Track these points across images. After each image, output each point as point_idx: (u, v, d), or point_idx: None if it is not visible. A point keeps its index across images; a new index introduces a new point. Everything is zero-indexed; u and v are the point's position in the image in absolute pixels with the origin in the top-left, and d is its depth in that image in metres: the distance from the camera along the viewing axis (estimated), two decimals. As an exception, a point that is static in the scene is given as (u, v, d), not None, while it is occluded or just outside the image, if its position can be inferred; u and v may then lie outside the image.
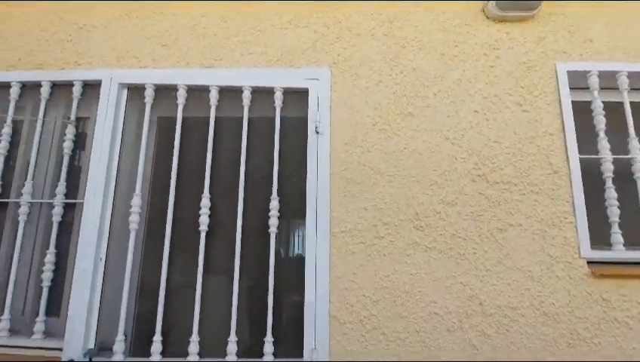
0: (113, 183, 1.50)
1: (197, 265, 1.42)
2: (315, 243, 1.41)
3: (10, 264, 1.54)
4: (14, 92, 1.67)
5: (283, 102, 1.57)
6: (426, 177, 1.48)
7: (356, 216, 1.45)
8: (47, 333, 1.48)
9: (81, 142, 1.66)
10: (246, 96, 1.56)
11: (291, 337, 1.40)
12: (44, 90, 1.65)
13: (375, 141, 1.52)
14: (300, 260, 1.45)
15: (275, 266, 1.42)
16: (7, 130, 1.64)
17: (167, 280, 1.41)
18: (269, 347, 1.34)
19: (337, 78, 1.59)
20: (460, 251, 1.40)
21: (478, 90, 1.56)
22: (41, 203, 1.60)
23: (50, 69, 1.68)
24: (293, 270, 1.47)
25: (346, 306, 1.37)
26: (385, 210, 1.45)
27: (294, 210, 1.51)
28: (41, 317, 1.47)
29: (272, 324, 1.36)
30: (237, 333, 1.36)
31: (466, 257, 1.40)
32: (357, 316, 1.36)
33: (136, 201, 1.47)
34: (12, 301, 1.49)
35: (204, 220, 1.45)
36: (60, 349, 1.42)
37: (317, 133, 1.51)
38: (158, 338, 1.36)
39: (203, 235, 1.44)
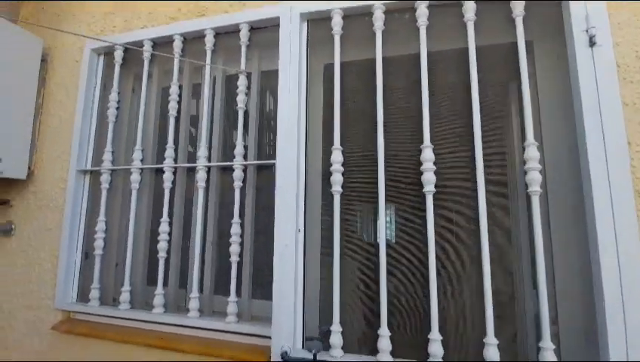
0: (304, 139, 1.21)
1: (425, 239, 1.06)
2: (611, 213, 0.93)
3: (185, 235, 1.39)
4: (177, 46, 1.49)
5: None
6: None
7: (680, 166, 0.93)
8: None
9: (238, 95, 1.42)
10: (470, 8, 1.13)
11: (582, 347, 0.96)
12: (208, 40, 1.44)
13: (698, 48, 0.96)
14: (579, 237, 0.99)
15: (546, 246, 0.98)
16: (174, 88, 1.47)
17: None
18: (549, 355, 0.92)
19: (611, -37, 1.06)
20: None
21: None
22: (212, 166, 1.40)
23: (213, 15, 1.46)
24: (566, 253, 1.02)
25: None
26: None
27: (562, 163, 1.05)
28: (233, 297, 1.26)
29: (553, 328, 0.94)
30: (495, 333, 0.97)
31: None
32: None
33: (337, 157, 1.15)
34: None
35: (429, 178, 1.07)
36: (257, 335, 1.21)
37: (591, 45, 1.01)
38: (385, 332, 1.03)
39: (429, 199, 1.07)
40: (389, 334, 1.03)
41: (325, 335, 1.11)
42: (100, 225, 1.48)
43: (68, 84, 1.64)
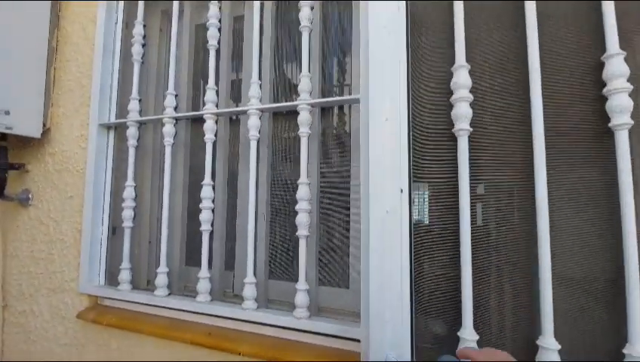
0: (405, 64, 0.82)
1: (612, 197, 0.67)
2: None
3: (231, 203, 1.08)
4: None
5: None
6: None
7: None
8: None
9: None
10: None
11: None
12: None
13: None
14: None
15: None
16: (213, 10, 1.12)
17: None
18: None
19: None
20: None
21: None
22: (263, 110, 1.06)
23: None
24: None
25: None
26: None
27: None
28: (302, 283, 0.93)
29: None
30: None
31: None
32: None
33: (463, 78, 0.76)
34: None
35: (621, 104, 0.67)
36: (335, 336, 0.88)
37: None
38: (551, 343, 0.66)
39: (623, 136, 0.67)
40: (558, 347, 0.66)
41: (440, 342, 0.77)
42: (129, 192, 1.19)
43: (84, 21, 1.34)
